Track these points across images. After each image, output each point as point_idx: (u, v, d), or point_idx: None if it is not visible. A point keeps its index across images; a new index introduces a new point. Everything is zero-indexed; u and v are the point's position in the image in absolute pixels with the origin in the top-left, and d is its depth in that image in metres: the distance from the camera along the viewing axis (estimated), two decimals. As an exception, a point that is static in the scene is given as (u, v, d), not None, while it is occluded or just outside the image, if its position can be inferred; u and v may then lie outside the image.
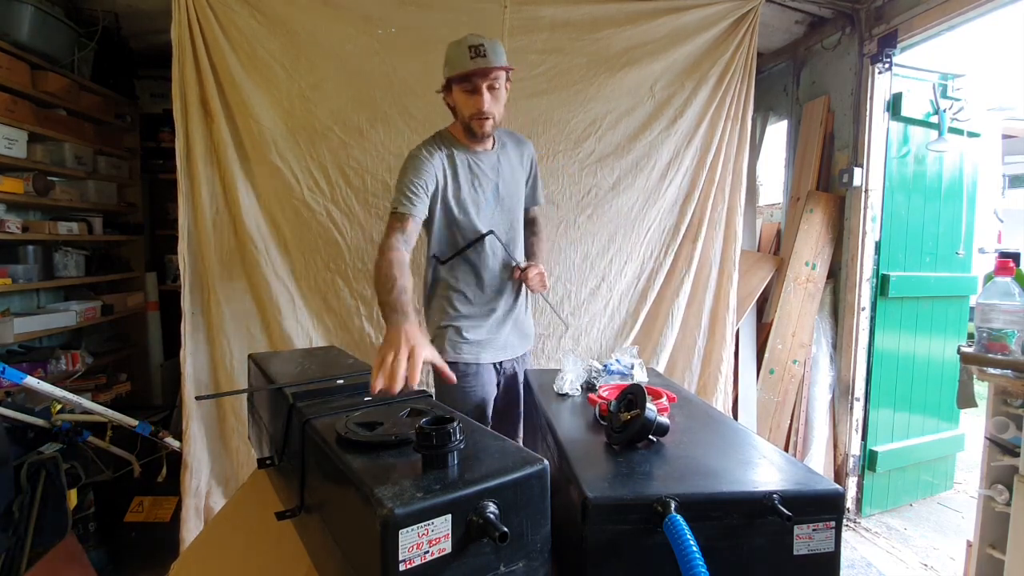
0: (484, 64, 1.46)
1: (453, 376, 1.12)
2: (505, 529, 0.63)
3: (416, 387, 1.02)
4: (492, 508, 0.66)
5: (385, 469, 0.70)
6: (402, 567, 0.60)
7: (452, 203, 1.58)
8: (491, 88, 1.50)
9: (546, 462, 0.74)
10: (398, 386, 0.96)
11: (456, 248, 1.62)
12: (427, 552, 0.62)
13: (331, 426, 0.85)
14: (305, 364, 1.36)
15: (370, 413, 0.89)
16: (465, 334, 1.62)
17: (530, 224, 1.89)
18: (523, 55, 2.30)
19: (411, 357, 1.01)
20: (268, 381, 1.16)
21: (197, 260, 2.24)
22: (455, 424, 0.70)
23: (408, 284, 1.29)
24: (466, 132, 1.58)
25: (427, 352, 1.08)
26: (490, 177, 1.64)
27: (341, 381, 1.08)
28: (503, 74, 1.52)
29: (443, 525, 0.63)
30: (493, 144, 1.68)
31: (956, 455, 3.13)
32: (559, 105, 2.40)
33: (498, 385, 1.69)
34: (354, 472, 0.69)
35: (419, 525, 0.61)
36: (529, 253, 1.85)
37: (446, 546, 0.63)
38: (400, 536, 0.60)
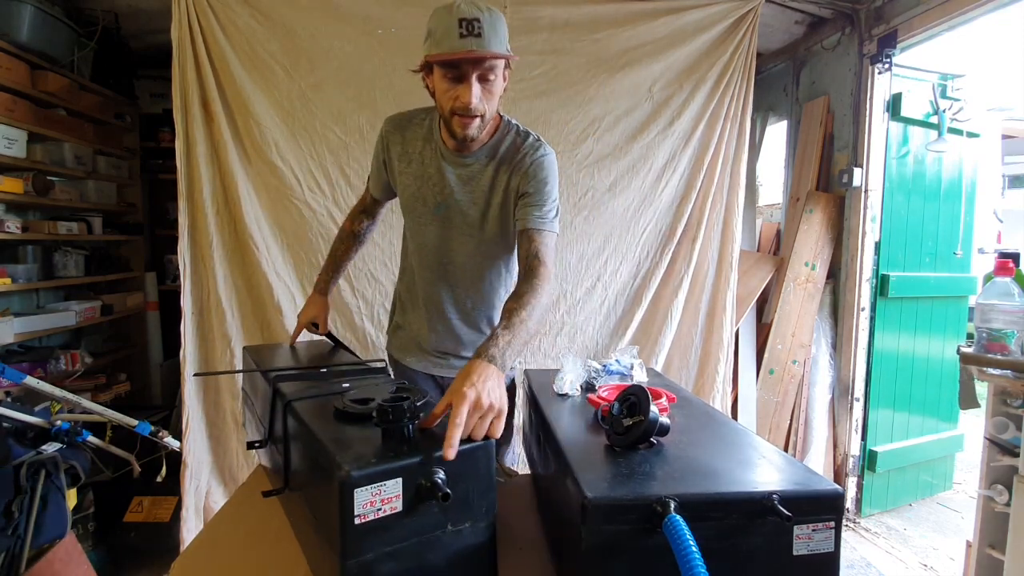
0: (477, 47, 1.07)
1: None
2: (448, 491, 0.72)
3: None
4: (440, 474, 0.74)
5: (350, 441, 0.79)
6: (357, 520, 0.69)
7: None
8: (483, 79, 1.13)
9: (492, 438, 0.83)
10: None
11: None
12: (380, 510, 0.71)
13: (310, 406, 0.94)
14: (295, 354, 1.42)
15: (364, 390, 0.98)
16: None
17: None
18: (523, 56, 2.30)
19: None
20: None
21: (197, 260, 2.24)
22: (410, 401, 0.79)
23: (335, 253, 1.59)
24: (446, 129, 1.23)
25: (305, 314, 1.55)
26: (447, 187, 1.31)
27: (324, 369, 1.18)
28: (502, 61, 1.14)
29: (395, 487, 0.72)
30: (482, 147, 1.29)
31: (955, 455, 3.14)
32: (558, 106, 2.40)
33: None
34: (323, 444, 0.78)
35: (373, 486, 0.70)
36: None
37: (397, 505, 0.72)
38: (356, 494, 0.69)
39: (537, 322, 1.08)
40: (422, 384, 1.48)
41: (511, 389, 1.62)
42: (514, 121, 1.34)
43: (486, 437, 0.84)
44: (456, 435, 0.78)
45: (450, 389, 0.86)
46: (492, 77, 1.14)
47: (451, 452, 0.76)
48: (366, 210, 1.55)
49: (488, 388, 0.85)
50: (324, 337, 1.57)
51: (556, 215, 1.28)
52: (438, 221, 1.33)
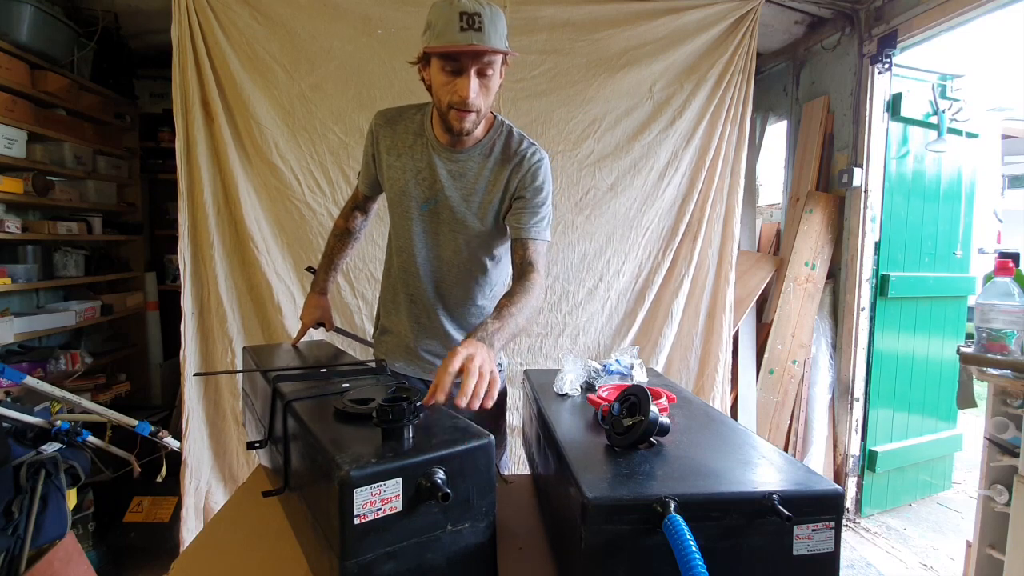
0: (478, 42, 1.08)
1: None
2: (448, 491, 0.72)
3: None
4: (440, 474, 0.74)
5: (349, 440, 0.79)
6: (357, 521, 0.69)
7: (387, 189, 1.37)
8: (481, 74, 1.13)
9: (491, 437, 0.82)
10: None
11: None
12: (379, 509, 0.71)
13: (310, 406, 0.95)
14: (295, 355, 1.42)
15: (364, 390, 0.98)
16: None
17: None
18: (523, 56, 2.30)
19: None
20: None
21: (197, 260, 2.24)
22: (409, 402, 0.79)
23: (331, 250, 1.59)
24: (441, 123, 1.24)
25: (309, 316, 1.57)
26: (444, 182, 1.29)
27: (324, 370, 1.19)
28: (500, 57, 1.15)
29: (395, 487, 0.72)
30: (477, 143, 1.29)
31: (954, 455, 3.14)
32: (558, 106, 2.40)
33: None
34: (322, 444, 0.78)
35: (373, 486, 0.70)
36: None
37: (397, 505, 0.73)
38: (355, 494, 0.69)
39: (526, 320, 1.13)
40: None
41: (502, 392, 1.62)
42: (507, 121, 1.34)
43: (483, 408, 0.87)
44: (446, 381, 0.79)
45: (444, 360, 0.91)
46: (490, 72, 1.15)
47: (441, 395, 0.78)
48: (358, 206, 1.57)
49: (480, 359, 0.89)
50: (331, 334, 1.59)
51: (548, 223, 1.32)
52: (426, 216, 1.33)
